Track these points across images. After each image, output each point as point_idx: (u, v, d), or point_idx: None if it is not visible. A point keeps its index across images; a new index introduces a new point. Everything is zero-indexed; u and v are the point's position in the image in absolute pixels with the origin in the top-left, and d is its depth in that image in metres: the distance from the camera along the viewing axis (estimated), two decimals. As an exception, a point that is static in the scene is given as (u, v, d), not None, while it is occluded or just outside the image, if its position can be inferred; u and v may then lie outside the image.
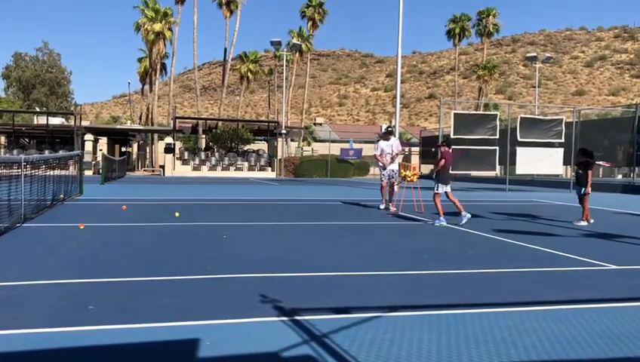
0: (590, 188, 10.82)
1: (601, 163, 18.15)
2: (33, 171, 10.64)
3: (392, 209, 12.54)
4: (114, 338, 3.56)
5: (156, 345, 3.46)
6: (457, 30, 59.08)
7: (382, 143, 13.13)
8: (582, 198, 10.85)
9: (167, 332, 3.70)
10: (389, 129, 14.13)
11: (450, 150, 10.98)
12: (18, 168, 9.47)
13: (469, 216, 10.06)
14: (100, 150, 38.50)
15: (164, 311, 4.15)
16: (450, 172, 10.76)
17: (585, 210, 10.72)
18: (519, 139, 22.01)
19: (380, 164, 13.10)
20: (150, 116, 50.95)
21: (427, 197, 14.12)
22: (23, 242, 7.42)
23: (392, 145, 13.01)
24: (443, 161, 10.28)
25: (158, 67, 50.16)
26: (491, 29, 59.13)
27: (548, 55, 53.21)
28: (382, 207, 13.00)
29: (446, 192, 10.31)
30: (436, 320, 4.02)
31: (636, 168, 23.58)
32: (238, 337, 3.62)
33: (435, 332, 3.73)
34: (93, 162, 37.32)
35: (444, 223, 9.99)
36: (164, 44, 48.32)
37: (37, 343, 3.43)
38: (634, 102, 29.94)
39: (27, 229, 8.65)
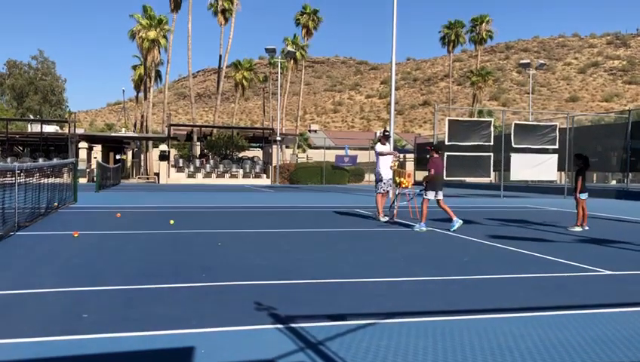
0: (581, 194, 10.81)
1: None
2: (27, 179, 10.60)
3: (388, 217, 12.13)
4: (108, 347, 3.54)
5: (151, 354, 3.45)
6: (452, 37, 59.35)
7: (383, 147, 12.16)
8: (576, 203, 10.89)
9: (162, 340, 3.69)
10: (386, 133, 12.83)
11: (440, 155, 10.82)
12: (12, 176, 9.43)
13: (460, 222, 10.14)
14: (95, 158, 38.35)
15: (159, 319, 4.13)
16: (444, 178, 10.69)
17: (578, 216, 10.74)
18: (513, 145, 22.12)
19: (381, 178, 12.01)
20: (145, 123, 50.88)
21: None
22: (16, 250, 7.38)
23: (390, 150, 12.46)
24: (432, 170, 10.34)
25: (153, 74, 50.21)
26: (485, 36, 59.43)
27: (541, 62, 53.61)
28: (384, 219, 11.91)
29: (437, 200, 10.34)
30: (432, 327, 4.02)
31: (630, 174, 23.71)
32: (234, 345, 3.61)
33: (431, 338, 3.72)
34: (88, 170, 37.22)
35: (424, 228, 10.15)
36: (159, 52, 48.30)
37: (30, 352, 3.40)
38: (627, 108, 30.10)
39: (21, 237, 8.61)
